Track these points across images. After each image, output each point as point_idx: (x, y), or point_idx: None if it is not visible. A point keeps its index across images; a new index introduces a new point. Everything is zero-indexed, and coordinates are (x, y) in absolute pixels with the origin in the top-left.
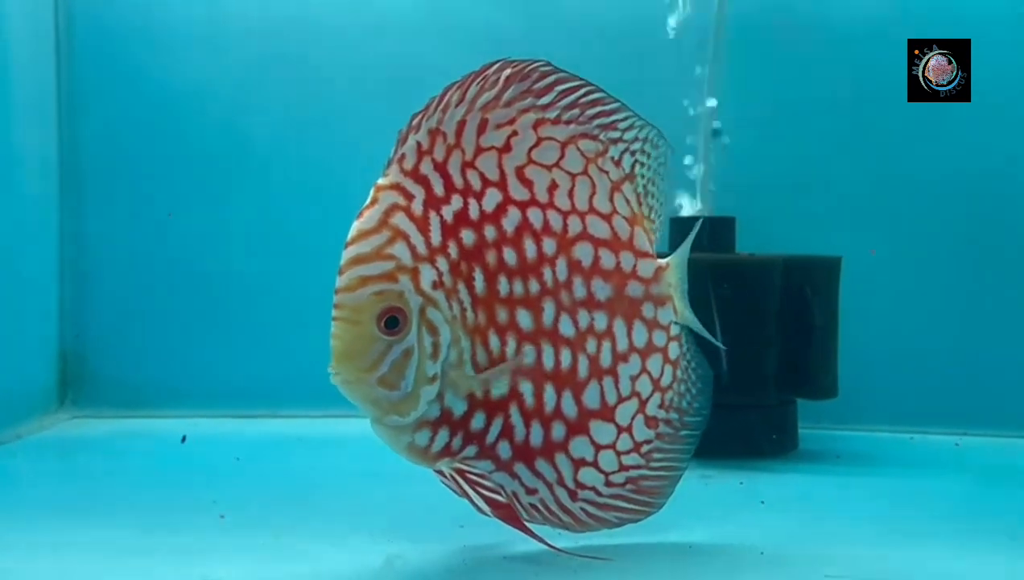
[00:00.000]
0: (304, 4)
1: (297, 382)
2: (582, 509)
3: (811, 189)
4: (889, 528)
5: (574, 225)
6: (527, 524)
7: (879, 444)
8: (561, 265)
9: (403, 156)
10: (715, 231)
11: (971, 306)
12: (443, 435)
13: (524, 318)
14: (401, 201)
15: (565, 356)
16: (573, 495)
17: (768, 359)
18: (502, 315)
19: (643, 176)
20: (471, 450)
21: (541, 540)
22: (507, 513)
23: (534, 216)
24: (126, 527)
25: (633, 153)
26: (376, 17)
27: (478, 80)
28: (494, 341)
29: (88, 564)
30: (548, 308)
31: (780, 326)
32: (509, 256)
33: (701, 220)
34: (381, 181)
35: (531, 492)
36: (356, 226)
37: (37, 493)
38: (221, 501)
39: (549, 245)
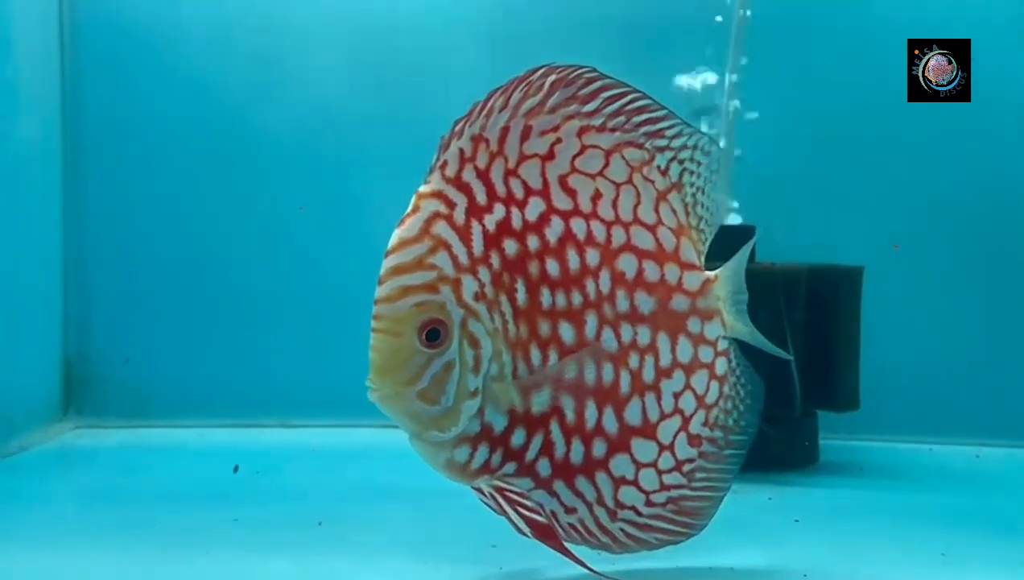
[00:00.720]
0: (312, 1)
1: (308, 391)
2: (621, 529)
3: (829, 197)
4: (926, 545)
5: (618, 236)
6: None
7: (900, 456)
8: (604, 277)
9: (445, 163)
10: (736, 240)
11: (991, 317)
12: (483, 451)
13: (566, 331)
14: (443, 209)
15: (607, 371)
16: (613, 515)
17: (794, 371)
18: (544, 328)
19: (692, 184)
20: (510, 467)
21: (581, 563)
22: (547, 534)
23: (577, 226)
24: (142, 548)
25: (681, 162)
26: (383, 17)
27: (522, 85)
28: (536, 355)
29: None
30: (591, 321)
31: (804, 337)
32: (552, 267)
33: (755, 232)
34: (423, 188)
35: (570, 511)
36: (397, 234)
37: (44, 511)
38: (242, 519)
39: (592, 256)
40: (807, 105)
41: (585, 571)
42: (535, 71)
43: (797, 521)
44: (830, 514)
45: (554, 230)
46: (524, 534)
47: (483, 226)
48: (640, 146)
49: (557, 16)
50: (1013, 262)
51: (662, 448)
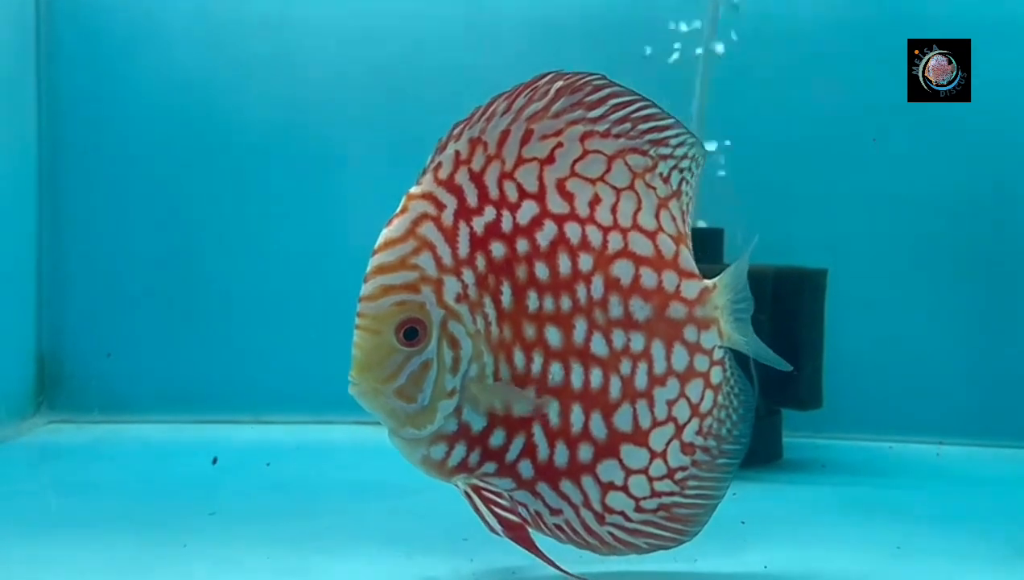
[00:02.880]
0: (295, 1)
1: (281, 387)
2: (609, 533)
3: (795, 200)
4: (882, 539)
5: (615, 241)
6: (550, 540)
7: (861, 453)
8: (597, 282)
9: (439, 165)
10: (703, 242)
11: (951, 319)
12: (460, 450)
13: (553, 335)
14: (432, 211)
15: (596, 376)
16: (600, 519)
17: (760, 370)
18: (529, 331)
19: (687, 193)
20: (490, 467)
21: (553, 564)
22: (519, 534)
23: (571, 231)
24: (116, 542)
25: (681, 170)
26: (368, 17)
27: (527, 91)
28: (519, 357)
29: None
30: (580, 326)
31: (769, 337)
32: (541, 271)
33: (756, 237)
34: (413, 190)
35: (555, 513)
36: (384, 234)
37: (15, 504)
38: (219, 512)
39: (585, 261)
40: (775, 108)
41: (544, 561)
42: (541, 77)
43: (743, 523)
44: (792, 509)
45: (546, 234)
46: (496, 532)
47: (471, 228)
48: (644, 153)
49: (538, 16)
50: (974, 265)
51: (654, 455)
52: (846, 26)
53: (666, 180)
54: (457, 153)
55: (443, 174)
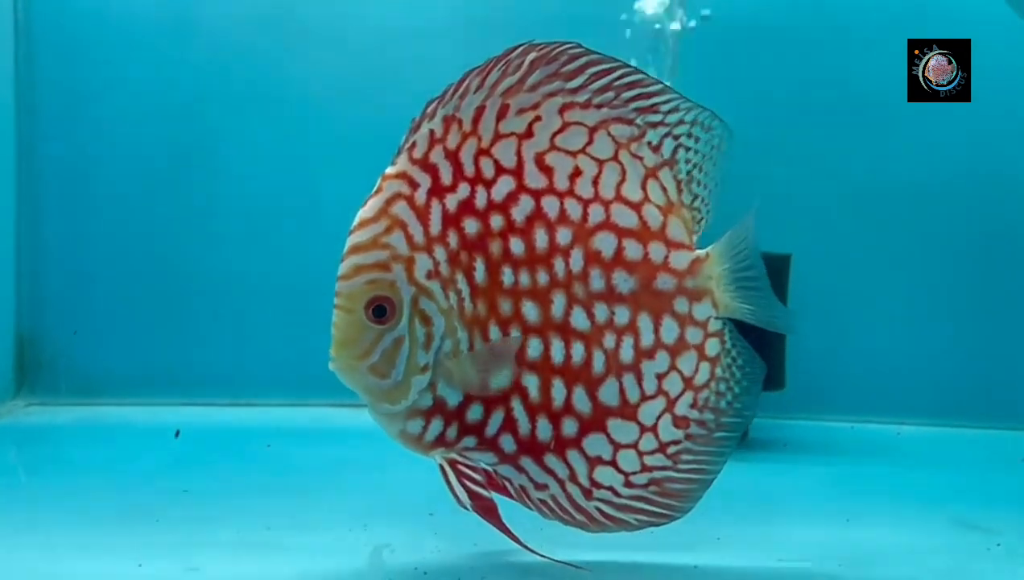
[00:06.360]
0: None
1: (259, 370)
2: (597, 508)
3: (759, 187)
4: (833, 511)
5: (596, 214)
6: (531, 517)
7: (823, 433)
8: (576, 256)
9: (414, 144)
10: None
11: (911, 303)
12: (436, 424)
13: (530, 310)
14: (405, 190)
15: (577, 350)
16: (588, 493)
17: None
18: (505, 306)
19: (688, 160)
20: (469, 441)
21: (518, 541)
22: (488, 510)
23: (549, 205)
24: (96, 520)
25: (676, 137)
26: (348, 10)
27: (500, 65)
28: (494, 332)
29: (59, 560)
30: (558, 300)
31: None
32: (516, 246)
33: (758, 202)
34: (388, 170)
35: (540, 487)
36: (358, 214)
37: None
38: (192, 490)
39: (564, 235)
40: (742, 97)
41: (511, 539)
42: (514, 49)
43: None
44: (750, 485)
45: (522, 209)
46: (464, 506)
47: (444, 206)
48: (630, 122)
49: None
50: (932, 250)
51: (644, 429)
52: (840, 22)
53: (656, 149)
54: (431, 132)
55: (417, 153)
